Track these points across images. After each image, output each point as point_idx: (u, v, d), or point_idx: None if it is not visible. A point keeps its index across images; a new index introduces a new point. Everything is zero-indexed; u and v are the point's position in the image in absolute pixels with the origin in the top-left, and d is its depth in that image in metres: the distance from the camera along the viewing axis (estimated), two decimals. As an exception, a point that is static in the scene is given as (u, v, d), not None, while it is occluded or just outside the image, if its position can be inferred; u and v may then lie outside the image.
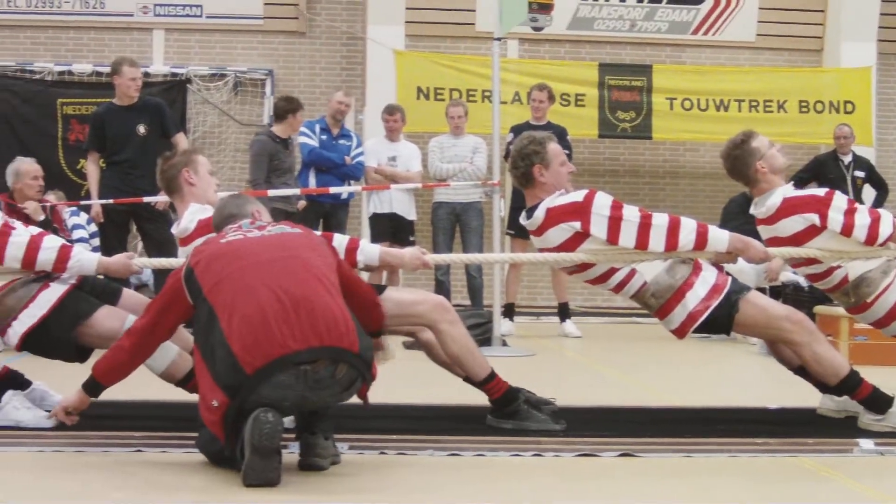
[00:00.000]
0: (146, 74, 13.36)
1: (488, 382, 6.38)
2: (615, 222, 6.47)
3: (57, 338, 6.30)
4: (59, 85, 17.12)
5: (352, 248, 6.28)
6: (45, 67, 17.18)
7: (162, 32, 17.49)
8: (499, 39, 11.57)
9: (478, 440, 5.93)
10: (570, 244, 6.59)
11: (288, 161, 12.66)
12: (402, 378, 7.44)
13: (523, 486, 5.17)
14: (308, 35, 17.58)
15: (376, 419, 6.34)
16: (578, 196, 6.58)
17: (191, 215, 6.52)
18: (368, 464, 5.47)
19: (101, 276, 6.76)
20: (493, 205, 11.56)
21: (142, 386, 6.45)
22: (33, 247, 6.26)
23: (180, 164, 6.67)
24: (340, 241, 6.30)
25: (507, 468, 5.50)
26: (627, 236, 6.46)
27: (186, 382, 6.22)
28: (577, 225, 6.51)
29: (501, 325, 11.38)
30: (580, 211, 6.52)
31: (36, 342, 6.35)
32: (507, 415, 6.35)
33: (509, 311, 12.76)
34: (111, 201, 11.24)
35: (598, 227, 6.48)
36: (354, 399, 5.36)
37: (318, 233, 6.47)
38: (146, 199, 11.17)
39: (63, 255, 6.30)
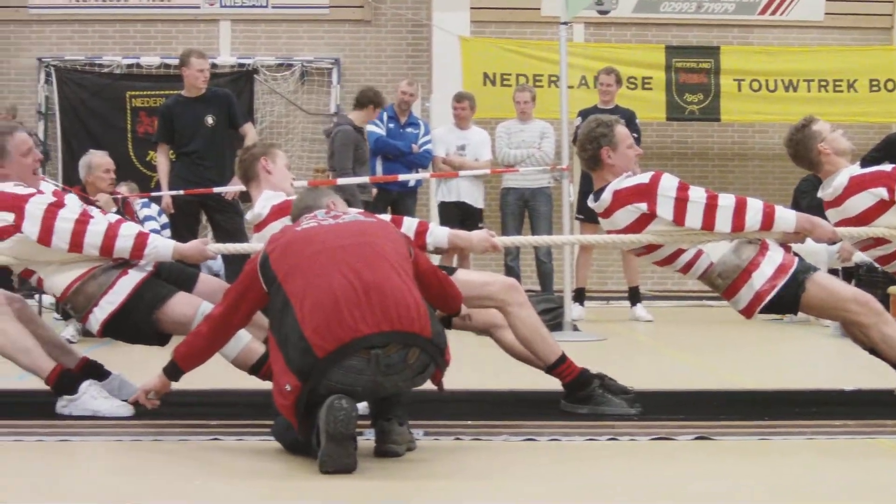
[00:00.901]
0: (213, 66, 13.44)
1: (559, 366, 6.36)
2: (681, 203, 6.46)
3: (136, 323, 6.38)
4: (128, 78, 17.27)
5: (421, 231, 6.32)
6: (114, 61, 17.32)
7: (228, 23, 17.57)
8: (565, 24, 11.53)
9: (553, 425, 5.91)
10: (637, 226, 6.61)
11: (366, 151, 12.68)
12: (476, 363, 7.44)
13: (599, 470, 5.16)
14: (374, 23, 17.59)
15: (451, 405, 6.36)
16: (644, 178, 6.59)
17: (264, 201, 6.58)
18: (444, 449, 5.47)
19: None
20: (563, 190, 11.53)
21: (218, 374, 6.48)
22: (111, 234, 6.32)
23: (259, 152, 6.77)
24: (409, 224, 6.33)
25: (582, 452, 5.49)
26: (694, 217, 6.45)
27: (258, 369, 6.25)
28: (643, 206, 6.52)
29: (572, 310, 11.36)
30: (646, 192, 6.53)
31: (116, 328, 6.44)
32: (582, 399, 6.32)
33: (580, 295, 12.74)
34: (181, 192, 11.30)
35: (665, 209, 6.48)
36: (428, 385, 5.37)
37: (387, 217, 6.48)
38: (216, 190, 11.23)
39: (140, 243, 6.36)
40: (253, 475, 5.00)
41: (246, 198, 7.00)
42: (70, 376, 6.34)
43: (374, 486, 4.74)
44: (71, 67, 17.28)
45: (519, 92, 13.56)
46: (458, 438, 5.68)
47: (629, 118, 12.80)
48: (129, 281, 6.38)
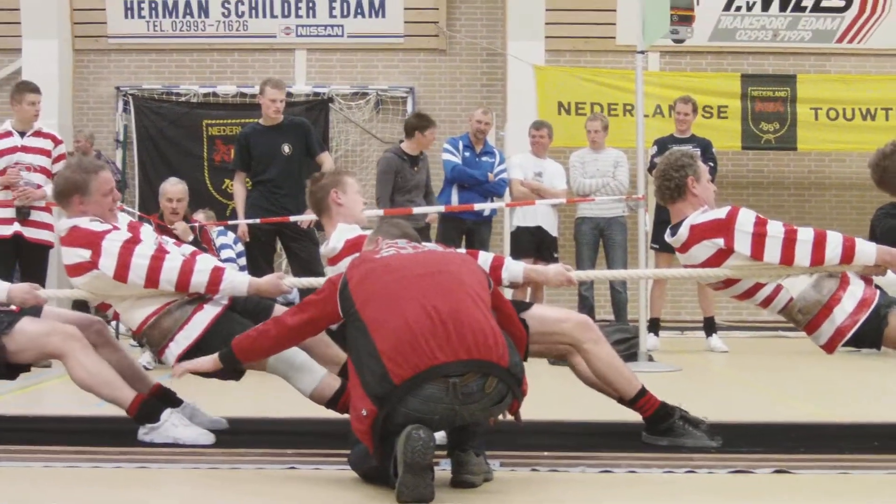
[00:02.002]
0: (288, 94, 13.48)
1: (639, 400, 6.33)
2: (759, 238, 6.41)
3: None
4: (204, 106, 17.43)
5: (496, 266, 6.27)
6: (191, 90, 17.50)
7: (304, 53, 17.70)
8: (642, 53, 11.51)
9: (630, 456, 5.87)
10: (715, 261, 6.56)
11: (415, 178, 12.66)
12: (552, 394, 7.41)
13: (677, 502, 5.11)
14: (448, 52, 17.66)
15: (527, 436, 6.31)
16: (721, 213, 6.55)
17: (339, 234, 6.58)
18: (520, 480, 5.45)
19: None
20: (638, 219, 11.46)
21: (294, 403, 6.49)
22: (186, 270, 6.37)
23: (329, 185, 6.74)
24: (485, 258, 6.29)
25: (660, 485, 5.44)
26: (772, 252, 6.40)
27: (335, 403, 6.28)
28: (720, 242, 6.48)
29: (647, 340, 11.29)
30: (723, 228, 6.49)
31: None
32: (663, 431, 6.28)
33: (654, 325, 12.64)
34: (257, 221, 11.35)
35: (742, 244, 6.43)
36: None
37: (462, 251, 6.46)
38: (292, 219, 11.27)
39: (215, 278, 6.40)
40: (330, 505, 5.01)
41: (322, 226, 7.00)
42: (151, 405, 6.38)
43: (451, 517, 4.74)
44: (148, 96, 17.48)
45: (590, 121, 13.55)
46: (534, 469, 5.65)
47: (705, 147, 12.77)
48: (205, 316, 6.42)
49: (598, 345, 6.34)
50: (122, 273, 6.37)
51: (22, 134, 11.04)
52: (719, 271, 6.56)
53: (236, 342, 5.75)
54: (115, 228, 6.56)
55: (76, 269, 6.55)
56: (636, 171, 11.57)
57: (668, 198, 6.78)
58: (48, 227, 10.95)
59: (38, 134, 11.11)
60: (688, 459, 5.82)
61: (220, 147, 17.12)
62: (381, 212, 11.98)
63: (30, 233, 10.81)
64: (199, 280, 6.38)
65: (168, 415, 6.31)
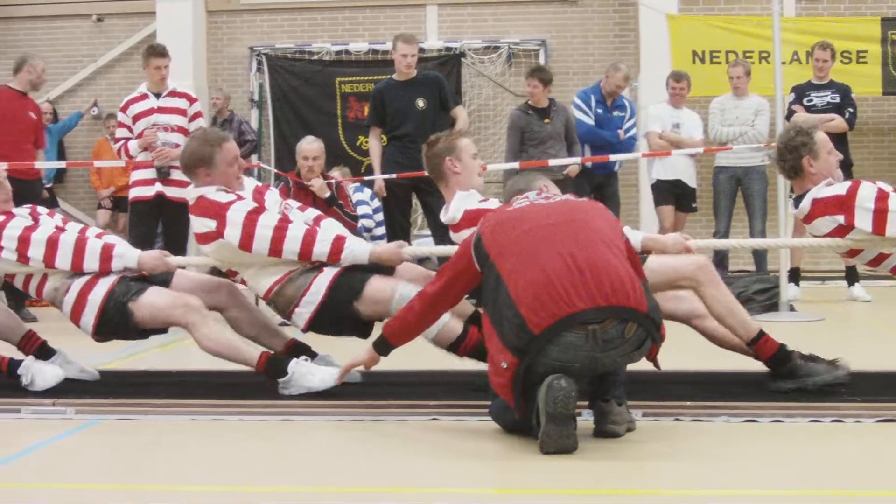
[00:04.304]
0: (421, 50, 13.42)
1: (757, 342, 6.24)
2: (881, 214, 6.36)
3: (338, 317, 6.46)
4: (337, 64, 17.50)
5: None
6: (323, 48, 17.57)
7: (435, 7, 17.66)
8: (778, -2, 11.32)
9: (774, 406, 5.78)
10: (836, 234, 6.56)
11: (545, 130, 12.62)
12: (692, 344, 7.33)
13: (824, 452, 5.04)
14: (580, 3, 17.49)
15: (669, 385, 6.29)
16: (842, 189, 6.50)
17: (457, 203, 6.57)
18: (664, 430, 5.42)
19: None
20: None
21: (435, 354, 6.51)
22: (309, 240, 6.46)
23: (444, 152, 6.67)
24: None
25: (805, 434, 5.37)
26: (894, 227, 6.32)
27: (457, 347, 6.30)
28: (840, 219, 6.46)
29: (788, 290, 11.13)
30: (843, 204, 6.45)
31: (320, 324, 6.55)
32: (785, 375, 6.19)
33: (795, 275, 12.43)
34: (394, 176, 11.39)
35: (863, 220, 6.39)
36: (644, 365, 5.32)
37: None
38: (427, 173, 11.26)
39: (337, 247, 6.47)
40: (474, 455, 5.02)
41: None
42: (277, 360, 6.47)
43: (596, 467, 4.72)
44: (281, 55, 17.59)
45: (733, 67, 13.35)
46: (677, 419, 5.63)
47: (844, 93, 12.55)
48: (325, 278, 6.47)
49: (716, 287, 6.28)
50: (246, 243, 6.49)
51: (157, 95, 11.18)
52: (843, 242, 6.56)
53: (387, 327, 5.78)
54: (240, 198, 6.67)
55: (204, 238, 6.70)
56: (775, 119, 11.38)
57: (787, 176, 6.83)
58: (189, 184, 11.09)
59: (172, 94, 11.25)
60: (834, 408, 5.72)
61: (354, 104, 17.19)
62: (517, 165, 11.97)
63: (171, 192, 10.93)
64: (321, 250, 6.46)
65: (294, 366, 6.37)
